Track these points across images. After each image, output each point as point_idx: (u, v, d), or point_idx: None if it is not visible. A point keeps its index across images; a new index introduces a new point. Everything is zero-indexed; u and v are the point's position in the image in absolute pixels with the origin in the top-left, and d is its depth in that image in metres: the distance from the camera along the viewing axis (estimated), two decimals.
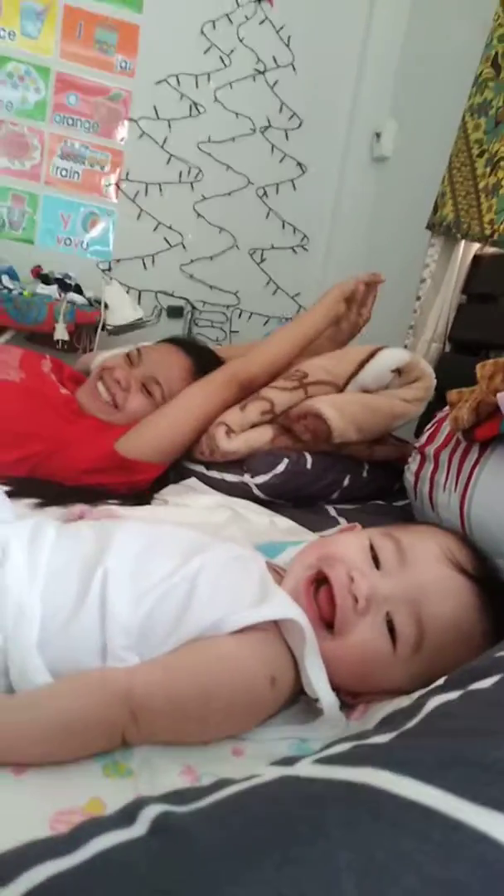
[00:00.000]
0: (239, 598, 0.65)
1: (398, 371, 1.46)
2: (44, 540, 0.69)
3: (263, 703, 0.63)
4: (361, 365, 1.43)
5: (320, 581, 0.72)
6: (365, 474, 1.45)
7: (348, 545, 0.74)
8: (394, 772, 0.33)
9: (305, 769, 0.38)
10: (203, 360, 1.50)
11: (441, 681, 0.57)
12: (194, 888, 0.27)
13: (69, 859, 0.31)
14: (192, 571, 0.66)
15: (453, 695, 0.45)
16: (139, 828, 0.33)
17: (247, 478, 1.34)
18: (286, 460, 1.34)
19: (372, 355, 1.44)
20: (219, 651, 0.60)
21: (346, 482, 1.41)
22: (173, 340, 1.56)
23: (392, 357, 1.45)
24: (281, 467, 1.33)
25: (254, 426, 1.37)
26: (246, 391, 1.39)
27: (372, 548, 0.72)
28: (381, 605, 0.67)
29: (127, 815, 0.34)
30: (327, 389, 1.41)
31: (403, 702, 0.65)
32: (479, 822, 0.29)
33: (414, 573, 0.69)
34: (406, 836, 0.28)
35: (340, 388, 1.42)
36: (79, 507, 0.91)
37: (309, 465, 1.36)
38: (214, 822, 0.32)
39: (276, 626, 0.64)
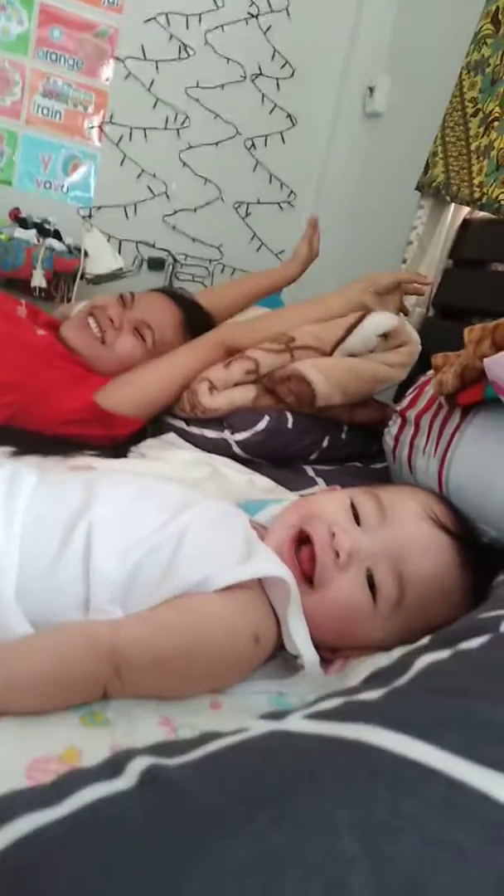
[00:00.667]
0: (225, 554, 0.65)
1: (384, 335, 1.45)
2: (20, 487, 0.67)
3: (247, 661, 0.63)
4: (349, 330, 1.42)
5: (302, 540, 0.72)
6: (344, 436, 1.45)
7: (329, 503, 0.74)
8: (389, 729, 0.33)
9: (296, 724, 0.37)
10: (194, 316, 1.49)
11: (426, 640, 0.57)
12: (189, 842, 0.26)
13: (55, 810, 0.30)
14: (179, 527, 0.66)
15: (443, 654, 0.45)
16: (127, 780, 0.32)
17: (227, 434, 1.33)
18: (267, 418, 1.33)
19: (360, 320, 1.43)
20: (204, 609, 0.60)
21: (325, 443, 1.41)
22: (165, 291, 1.53)
23: (379, 322, 1.44)
24: (262, 425, 1.32)
25: (237, 385, 1.36)
26: (231, 356, 1.38)
27: (353, 506, 0.73)
28: (363, 561, 0.68)
29: (113, 767, 0.33)
30: (314, 354, 1.40)
31: (381, 659, 0.65)
32: (481, 783, 0.29)
33: (395, 529, 0.70)
34: (406, 794, 0.28)
35: (327, 354, 1.42)
36: (84, 460, 0.89)
37: (290, 425, 1.35)
38: (206, 775, 0.31)
39: (259, 584, 0.64)
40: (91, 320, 1.38)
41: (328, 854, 0.25)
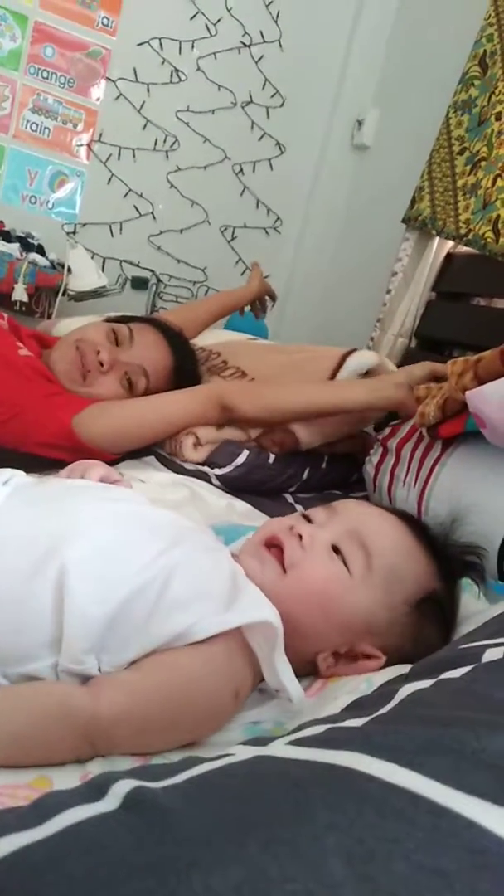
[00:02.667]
0: (209, 598, 0.63)
1: (366, 373, 1.46)
2: None
3: (225, 716, 0.62)
4: (333, 374, 1.43)
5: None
6: (324, 466, 1.45)
7: (285, 517, 0.80)
8: (375, 756, 0.33)
9: (280, 750, 0.37)
10: (185, 361, 1.43)
11: (407, 669, 0.57)
12: (176, 867, 0.26)
13: (36, 832, 0.29)
14: (169, 564, 0.63)
15: (426, 683, 0.45)
16: (110, 802, 0.31)
17: (206, 468, 1.32)
18: (246, 452, 1.32)
19: (342, 362, 1.44)
20: (187, 673, 0.58)
21: (304, 475, 1.41)
22: (158, 326, 1.44)
23: (361, 361, 1.45)
24: (241, 459, 1.31)
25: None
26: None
27: (304, 516, 0.77)
28: (325, 543, 0.71)
29: (95, 790, 0.33)
30: None
31: (361, 685, 0.65)
32: (466, 810, 0.29)
33: (345, 514, 0.75)
34: (393, 820, 0.28)
35: None
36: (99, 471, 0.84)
37: (270, 461, 1.35)
38: (192, 798, 0.31)
39: (239, 629, 0.62)
40: (76, 354, 1.30)
41: (316, 878, 0.25)
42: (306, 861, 0.25)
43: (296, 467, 1.39)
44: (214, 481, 1.31)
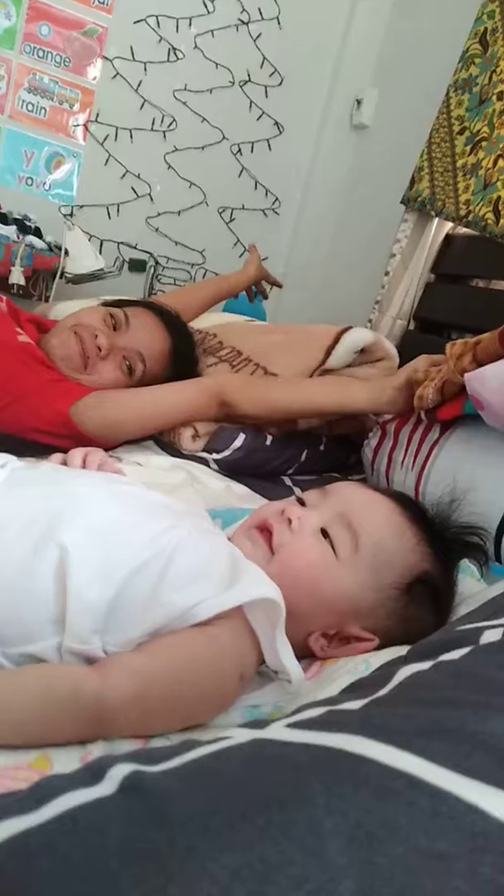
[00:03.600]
0: (211, 578, 0.63)
1: (361, 350, 1.46)
2: None
3: (230, 697, 0.62)
4: (328, 352, 1.42)
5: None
6: (322, 447, 1.45)
7: (277, 501, 0.81)
8: (374, 739, 0.33)
9: (278, 733, 0.37)
10: (181, 343, 1.42)
11: (402, 651, 0.57)
12: (173, 851, 0.26)
13: (33, 817, 0.29)
14: (169, 544, 0.64)
15: (425, 665, 0.45)
16: (107, 786, 0.31)
17: (203, 453, 1.32)
18: (243, 436, 1.31)
19: (337, 339, 1.43)
20: (191, 655, 0.59)
21: (303, 457, 1.41)
22: (155, 310, 1.43)
23: (357, 339, 1.45)
24: (238, 442, 1.31)
25: None
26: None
27: (298, 499, 0.78)
28: (314, 526, 0.72)
29: (92, 773, 0.33)
30: None
31: (360, 666, 0.65)
32: (466, 793, 0.29)
33: (337, 497, 0.76)
34: (392, 804, 0.28)
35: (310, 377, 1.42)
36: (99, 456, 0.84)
37: (268, 442, 1.34)
38: (190, 782, 0.31)
39: (241, 609, 0.62)
40: (75, 340, 1.30)
41: (315, 862, 0.25)
42: (305, 845, 0.25)
43: (294, 449, 1.38)
44: (212, 465, 1.31)
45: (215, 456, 1.31)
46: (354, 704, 0.39)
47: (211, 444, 1.32)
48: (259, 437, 1.33)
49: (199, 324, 1.68)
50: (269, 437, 1.34)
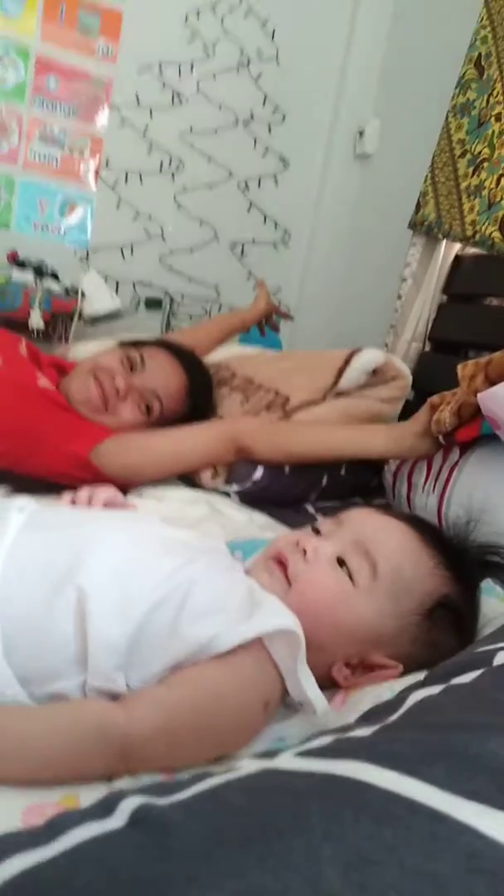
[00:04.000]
0: (228, 610, 0.63)
1: (373, 371, 1.46)
2: (5, 529, 0.65)
3: (256, 728, 0.63)
4: (339, 373, 1.43)
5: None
6: (342, 472, 1.45)
7: (293, 532, 0.81)
8: (376, 765, 0.33)
9: (286, 762, 0.37)
10: (198, 380, 1.44)
11: (422, 676, 0.57)
12: (175, 882, 0.26)
13: (44, 851, 0.30)
14: (186, 579, 0.64)
15: (434, 689, 0.45)
16: (117, 819, 0.32)
17: (224, 486, 1.33)
18: (261, 469, 1.31)
19: (347, 361, 1.44)
20: (215, 686, 0.59)
21: (324, 482, 1.40)
22: (170, 349, 1.45)
23: (368, 360, 1.45)
24: (258, 474, 1.31)
25: None
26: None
27: (313, 528, 0.78)
28: (329, 556, 0.72)
29: (104, 807, 0.33)
30: (308, 407, 1.41)
31: (385, 694, 0.65)
32: (464, 815, 0.29)
33: (351, 525, 0.75)
34: (389, 828, 0.28)
35: (320, 401, 1.43)
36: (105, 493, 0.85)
37: (287, 471, 1.34)
38: (195, 814, 0.31)
39: (261, 641, 0.62)
40: (93, 384, 1.32)
41: (311, 888, 0.25)
42: (302, 872, 0.26)
43: (314, 475, 1.38)
44: (234, 498, 1.32)
45: (236, 488, 1.31)
46: (364, 731, 0.39)
47: (231, 477, 1.32)
48: (277, 470, 1.34)
49: (211, 357, 1.70)
50: (287, 468, 1.35)
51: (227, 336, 1.81)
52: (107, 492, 0.83)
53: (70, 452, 1.19)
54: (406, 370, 1.50)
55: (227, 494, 1.32)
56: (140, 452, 1.25)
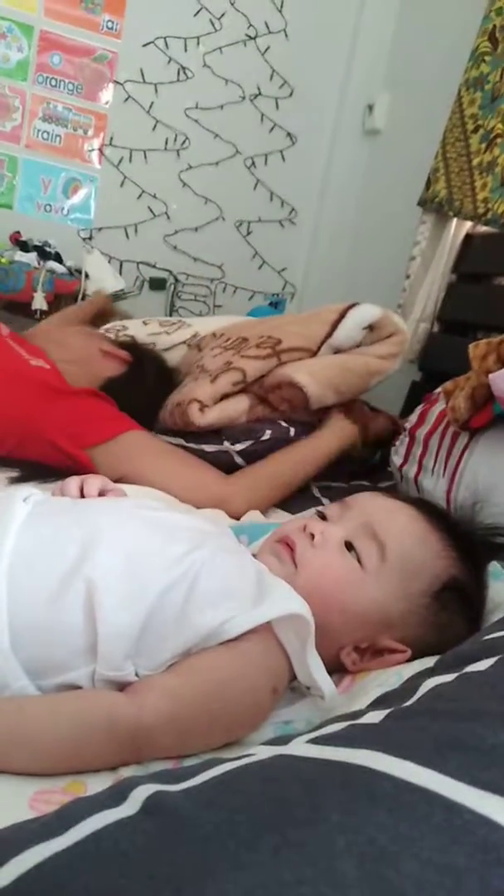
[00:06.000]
0: (237, 596, 0.63)
1: (370, 327, 1.42)
2: (10, 520, 0.64)
3: (264, 713, 0.62)
4: (334, 326, 1.39)
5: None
6: None
7: (298, 517, 0.82)
8: (391, 754, 0.33)
9: (300, 748, 0.37)
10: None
11: (432, 663, 0.56)
12: (190, 870, 0.26)
13: (59, 841, 0.30)
14: (193, 564, 0.64)
15: (448, 677, 0.45)
16: (130, 807, 0.32)
17: (227, 445, 1.31)
18: (269, 431, 1.30)
19: (343, 315, 1.40)
20: (223, 674, 0.59)
21: None
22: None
23: (364, 314, 1.40)
24: (265, 436, 1.29)
25: (226, 396, 1.33)
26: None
27: (319, 513, 0.78)
28: (338, 540, 0.72)
29: (117, 795, 0.33)
30: (301, 355, 1.36)
31: (391, 679, 0.64)
32: (481, 806, 0.29)
33: (358, 508, 0.75)
34: (406, 819, 0.28)
35: (314, 353, 1.38)
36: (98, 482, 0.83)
37: (293, 434, 1.32)
38: (209, 802, 0.31)
39: (270, 626, 0.62)
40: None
41: (328, 880, 0.25)
42: (317, 863, 0.25)
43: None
44: (237, 459, 1.29)
45: (238, 447, 1.30)
46: (375, 717, 0.38)
47: (231, 433, 1.31)
48: (281, 430, 1.32)
49: (208, 327, 1.67)
50: (293, 431, 1.33)
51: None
52: (98, 480, 0.82)
53: (68, 451, 1.17)
54: (403, 325, 1.45)
55: (231, 457, 1.30)
56: (137, 468, 1.18)
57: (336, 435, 1.32)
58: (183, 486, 1.19)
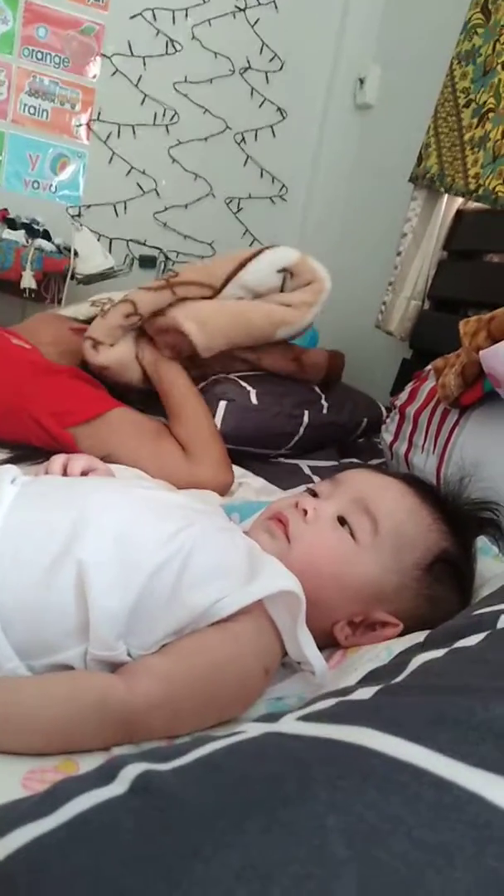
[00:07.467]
0: (229, 574, 0.63)
1: (290, 273, 1.34)
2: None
3: (256, 692, 0.63)
4: (242, 264, 1.31)
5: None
6: (325, 410, 1.41)
7: (288, 495, 0.82)
8: (381, 731, 0.33)
9: (289, 726, 0.37)
10: None
11: (422, 638, 0.56)
12: (179, 850, 0.26)
13: (48, 821, 0.29)
14: (184, 544, 0.64)
15: (438, 652, 0.45)
16: (119, 786, 0.31)
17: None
18: (224, 403, 1.27)
19: (256, 254, 1.33)
20: (215, 654, 0.59)
21: (305, 418, 1.37)
22: None
23: (279, 256, 1.34)
24: (221, 410, 1.27)
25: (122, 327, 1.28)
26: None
27: (310, 490, 0.78)
28: (330, 515, 0.72)
29: (106, 774, 0.33)
30: (199, 290, 1.29)
31: (381, 654, 0.65)
32: (471, 783, 0.28)
33: (349, 484, 0.76)
34: (396, 797, 0.28)
35: (217, 290, 1.31)
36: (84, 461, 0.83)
37: (254, 399, 1.29)
38: (198, 781, 0.31)
39: (262, 604, 0.62)
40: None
41: (317, 859, 0.25)
42: (307, 842, 0.25)
43: (290, 407, 1.34)
44: (219, 407, 1.29)
45: (225, 402, 1.29)
46: (366, 694, 0.39)
47: (225, 393, 1.31)
48: (242, 394, 1.28)
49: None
50: (253, 393, 1.29)
51: None
52: (83, 459, 0.81)
53: (53, 431, 1.16)
54: (324, 273, 1.36)
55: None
56: (122, 449, 1.18)
57: (154, 367, 1.30)
58: (157, 466, 1.17)
